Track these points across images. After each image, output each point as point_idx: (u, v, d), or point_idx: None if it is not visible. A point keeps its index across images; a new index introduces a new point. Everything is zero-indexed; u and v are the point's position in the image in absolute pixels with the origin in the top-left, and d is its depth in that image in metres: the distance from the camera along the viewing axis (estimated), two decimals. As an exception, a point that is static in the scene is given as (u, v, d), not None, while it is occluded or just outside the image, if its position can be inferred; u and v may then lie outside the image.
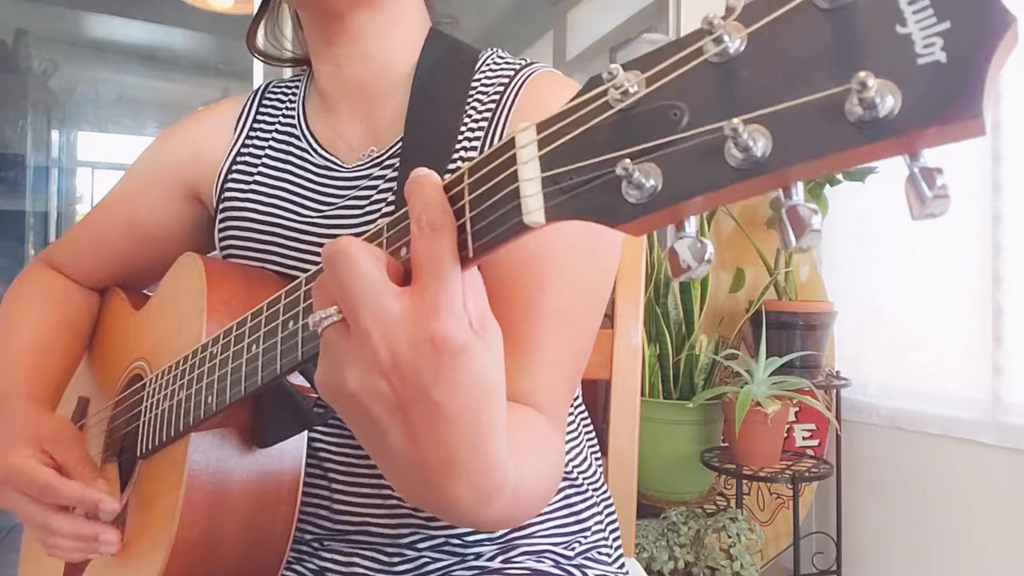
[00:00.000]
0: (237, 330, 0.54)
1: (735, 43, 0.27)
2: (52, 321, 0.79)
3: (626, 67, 0.31)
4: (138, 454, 0.66)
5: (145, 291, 0.88)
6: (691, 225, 0.30)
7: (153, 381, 0.66)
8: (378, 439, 0.38)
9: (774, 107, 0.26)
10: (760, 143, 0.26)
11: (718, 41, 0.28)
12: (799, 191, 0.28)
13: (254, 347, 0.51)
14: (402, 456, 0.37)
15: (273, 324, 0.49)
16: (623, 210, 0.30)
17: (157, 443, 0.63)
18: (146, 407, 0.66)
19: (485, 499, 0.39)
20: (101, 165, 2.38)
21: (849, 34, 0.25)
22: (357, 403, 0.37)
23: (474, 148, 0.65)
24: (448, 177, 0.37)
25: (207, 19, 2.40)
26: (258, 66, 2.19)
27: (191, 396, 0.59)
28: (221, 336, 0.56)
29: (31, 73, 2.27)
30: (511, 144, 0.34)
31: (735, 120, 0.26)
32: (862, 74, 0.24)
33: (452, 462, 0.37)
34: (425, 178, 0.36)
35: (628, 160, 0.29)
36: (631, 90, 0.30)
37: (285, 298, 0.48)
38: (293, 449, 0.64)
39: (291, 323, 0.46)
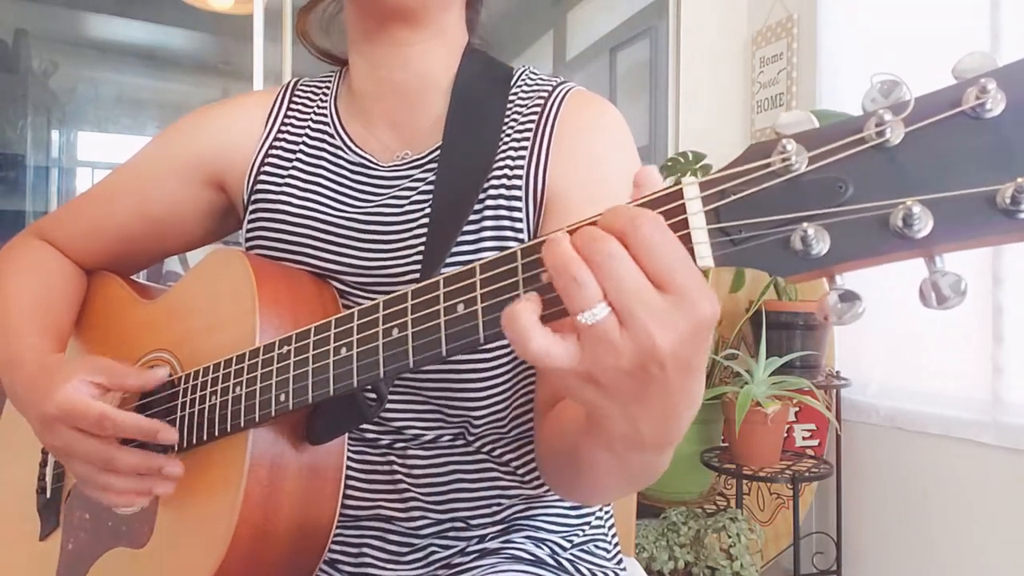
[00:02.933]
0: (317, 334, 0.56)
1: (897, 135, 0.34)
2: (47, 290, 0.78)
3: (786, 137, 0.36)
4: (174, 448, 0.66)
5: (134, 277, 0.87)
6: (843, 278, 0.36)
7: (195, 376, 0.65)
8: (630, 400, 0.40)
9: (939, 194, 0.33)
10: (925, 222, 0.33)
11: (881, 133, 0.34)
12: (944, 260, 0.34)
13: (344, 351, 0.53)
14: (651, 408, 0.41)
15: (371, 331, 0.52)
16: (791, 265, 0.36)
17: (205, 437, 0.63)
18: (188, 401, 0.65)
19: (693, 417, 0.44)
20: (101, 165, 2.38)
21: (1000, 141, 0.32)
22: (622, 384, 0.39)
23: (521, 158, 0.68)
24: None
25: (207, 19, 2.40)
26: (258, 66, 2.19)
27: (255, 393, 0.59)
28: (294, 338, 0.57)
29: (31, 73, 2.27)
30: (678, 195, 0.39)
31: (908, 201, 0.33)
32: (1021, 179, 0.31)
33: (691, 401, 0.42)
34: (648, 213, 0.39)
35: (805, 224, 0.35)
36: (797, 162, 0.35)
37: (384, 309, 0.51)
38: (337, 445, 0.65)
39: (395, 331, 0.50)
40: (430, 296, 0.48)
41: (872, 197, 0.34)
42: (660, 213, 0.39)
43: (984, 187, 0.32)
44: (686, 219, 0.38)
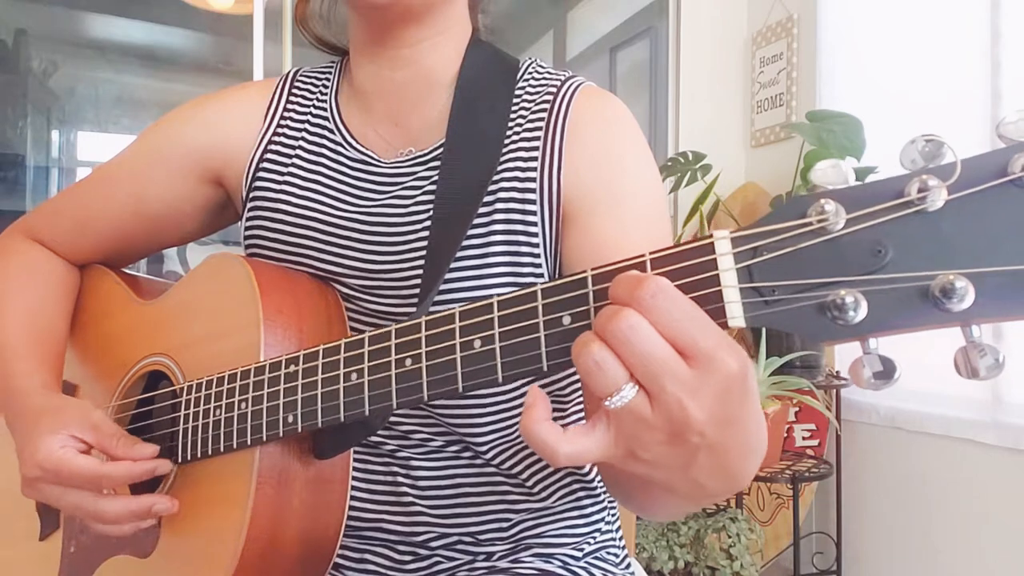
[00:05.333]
0: (326, 357, 0.54)
1: (939, 200, 0.33)
2: (41, 301, 0.75)
3: (824, 195, 0.35)
4: (178, 460, 0.64)
5: (127, 269, 0.84)
6: (876, 342, 0.35)
7: (197, 388, 0.63)
8: (683, 467, 0.39)
9: (982, 268, 0.32)
10: (965, 295, 0.32)
11: (922, 199, 0.33)
12: (981, 329, 0.33)
13: (354, 376, 0.52)
14: (708, 468, 0.39)
15: (383, 360, 0.50)
16: (826, 330, 0.35)
17: (209, 452, 0.61)
18: (192, 414, 0.63)
19: (762, 455, 0.43)
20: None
21: None
22: (667, 457, 0.38)
23: (533, 159, 0.65)
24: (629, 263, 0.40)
25: (207, 19, 2.40)
26: (258, 66, 2.19)
27: (261, 412, 0.57)
28: (302, 359, 0.56)
29: (31, 73, 2.27)
30: (710, 249, 0.37)
31: (951, 274, 0.32)
32: None
33: (748, 450, 0.40)
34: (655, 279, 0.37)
35: (843, 290, 0.34)
36: (835, 222, 0.34)
37: (396, 337, 0.49)
38: (342, 459, 0.63)
39: (408, 361, 0.48)
40: (445, 329, 0.46)
41: (912, 266, 0.33)
42: (689, 267, 0.38)
43: None
44: (717, 276, 0.37)
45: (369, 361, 0.51)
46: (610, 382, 0.36)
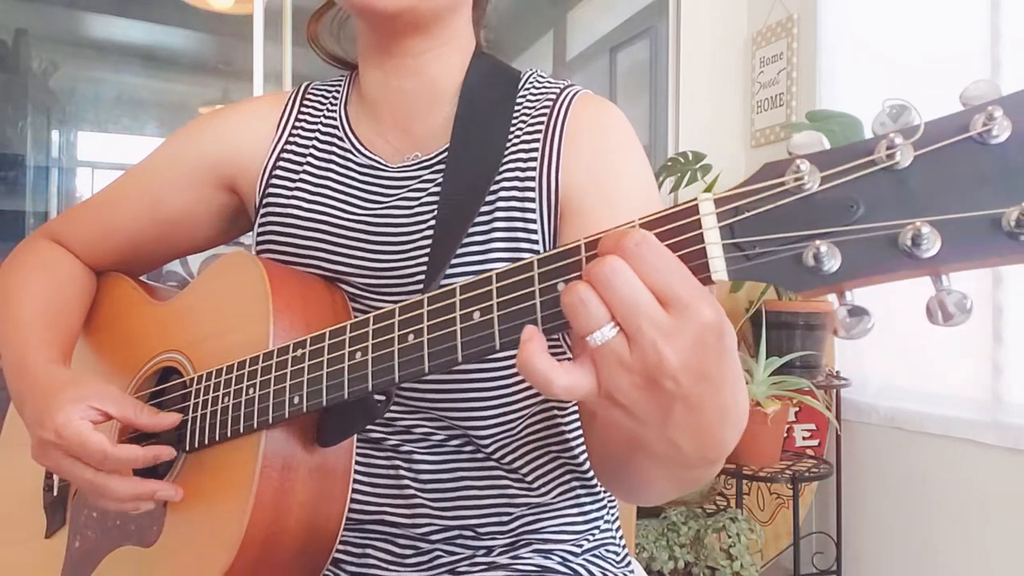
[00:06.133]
0: (332, 338, 0.56)
1: (906, 158, 0.35)
2: (56, 293, 0.78)
3: (799, 157, 0.37)
4: (186, 448, 0.66)
5: (143, 278, 0.87)
6: (852, 293, 0.37)
7: (207, 378, 0.65)
8: (659, 420, 0.41)
9: (946, 215, 0.34)
10: (933, 243, 0.34)
11: (891, 155, 0.35)
12: (950, 279, 0.35)
13: (359, 355, 0.54)
14: (684, 426, 0.41)
15: (387, 336, 0.52)
16: (803, 280, 0.37)
17: (217, 438, 0.63)
18: (201, 403, 0.65)
19: (740, 431, 0.44)
20: (101, 165, 2.38)
21: (1006, 166, 0.33)
22: (643, 403, 0.40)
23: (532, 160, 0.68)
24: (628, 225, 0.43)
25: (207, 19, 2.40)
26: (258, 66, 2.19)
27: (268, 396, 0.59)
28: (308, 342, 0.58)
29: (31, 73, 2.27)
30: (694, 210, 0.40)
31: (918, 221, 0.34)
32: None
33: (725, 414, 0.42)
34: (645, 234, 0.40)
35: (817, 241, 0.36)
36: (810, 181, 0.37)
37: (400, 315, 0.51)
38: (346, 446, 0.65)
39: (411, 337, 0.50)
40: (446, 303, 0.48)
41: (882, 217, 0.35)
42: (676, 228, 0.40)
43: (990, 210, 0.33)
44: (701, 234, 0.39)
45: (373, 339, 0.53)
46: (592, 320, 0.39)
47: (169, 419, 0.66)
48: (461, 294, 0.48)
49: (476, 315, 0.46)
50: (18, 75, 2.22)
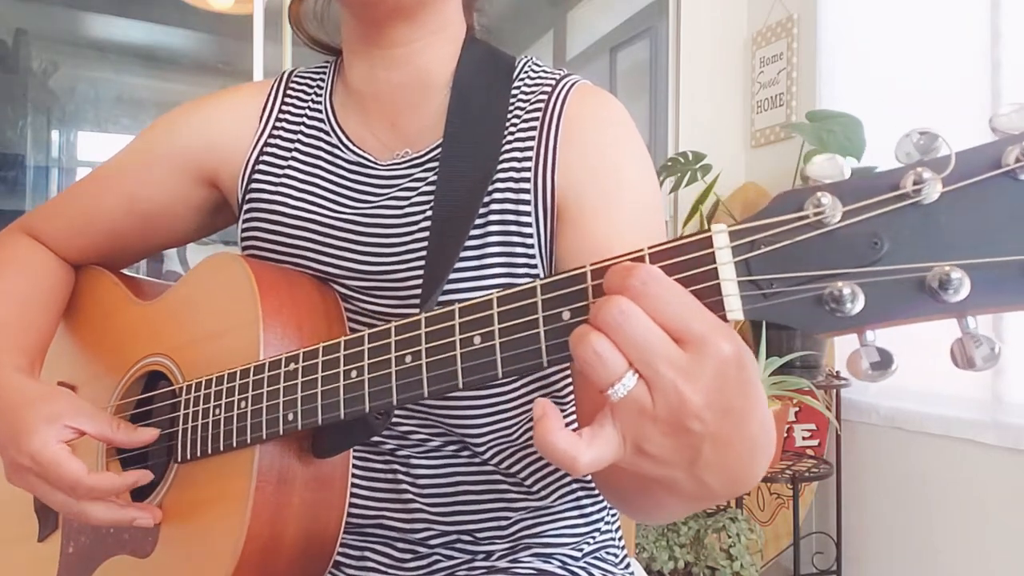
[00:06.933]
0: (326, 355, 0.54)
1: (934, 192, 0.33)
2: (29, 292, 0.75)
3: (820, 188, 0.35)
4: (177, 459, 0.64)
5: (125, 271, 0.84)
6: (874, 334, 0.35)
7: (197, 388, 0.63)
8: (688, 462, 0.38)
9: (977, 259, 0.32)
10: (961, 287, 0.32)
11: (918, 191, 0.33)
12: (977, 321, 0.34)
13: (354, 374, 0.52)
14: (714, 464, 0.39)
15: (383, 357, 0.50)
16: (824, 322, 0.35)
17: (208, 450, 0.61)
18: (191, 413, 0.63)
19: (769, 458, 0.42)
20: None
21: None
22: (672, 449, 0.38)
23: (527, 159, 0.65)
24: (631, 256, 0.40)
25: (207, 19, 2.40)
26: (258, 66, 2.19)
27: (261, 411, 0.57)
28: (301, 357, 0.56)
29: (31, 73, 2.27)
30: (708, 243, 0.38)
31: (946, 265, 0.32)
32: None
33: (754, 445, 0.39)
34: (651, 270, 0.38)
35: (840, 282, 0.34)
36: (831, 216, 0.35)
37: (396, 335, 0.49)
38: (342, 458, 0.63)
39: (408, 358, 0.48)
40: (445, 325, 0.46)
41: (908, 257, 0.34)
42: (688, 260, 0.38)
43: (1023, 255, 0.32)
44: (716, 269, 0.37)
45: (369, 359, 0.51)
46: (610, 371, 0.36)
47: (147, 435, 0.64)
48: (460, 316, 0.46)
49: (477, 340, 0.45)
50: (18, 75, 2.22)
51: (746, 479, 0.41)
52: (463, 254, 0.63)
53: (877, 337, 0.36)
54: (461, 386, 0.46)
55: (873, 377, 0.35)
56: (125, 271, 0.85)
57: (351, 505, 0.67)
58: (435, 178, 0.65)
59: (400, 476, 0.67)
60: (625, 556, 0.77)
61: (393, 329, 0.50)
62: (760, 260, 0.36)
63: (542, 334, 0.41)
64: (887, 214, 0.34)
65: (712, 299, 0.37)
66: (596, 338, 0.36)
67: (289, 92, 0.76)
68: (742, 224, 0.37)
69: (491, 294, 0.44)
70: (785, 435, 1.99)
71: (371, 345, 0.51)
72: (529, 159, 0.65)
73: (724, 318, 0.37)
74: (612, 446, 0.37)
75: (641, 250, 0.39)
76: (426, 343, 0.47)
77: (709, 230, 0.38)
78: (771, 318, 0.36)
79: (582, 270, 0.41)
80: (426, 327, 0.48)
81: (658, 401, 0.36)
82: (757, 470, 0.41)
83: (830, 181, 0.35)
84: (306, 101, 0.75)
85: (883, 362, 0.35)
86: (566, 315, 0.41)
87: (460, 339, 0.45)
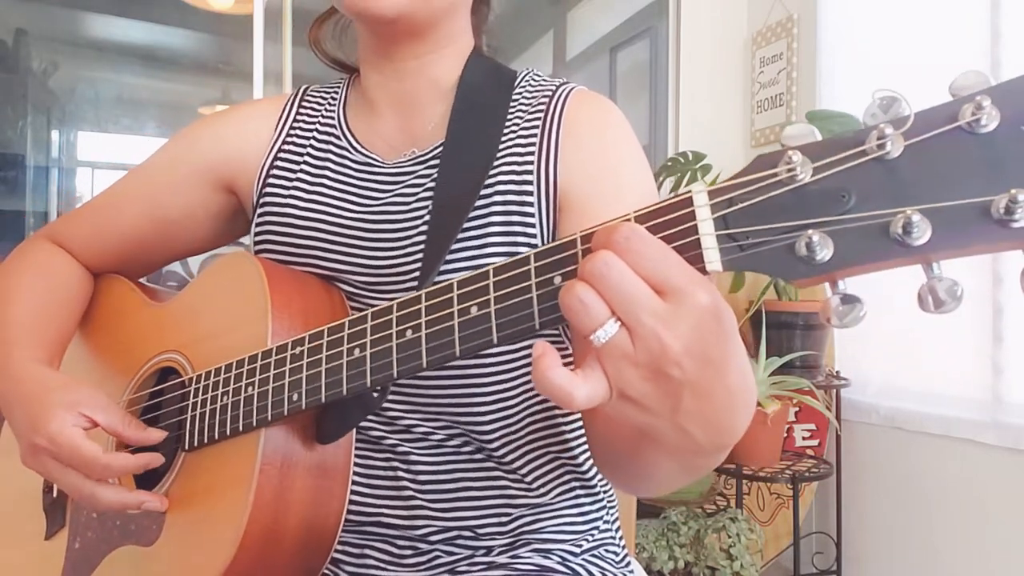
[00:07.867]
0: (331, 335, 0.57)
1: (897, 148, 0.35)
2: (50, 294, 0.79)
3: (792, 148, 0.38)
4: (185, 447, 0.66)
5: (142, 280, 0.87)
6: (844, 283, 0.37)
7: (206, 377, 0.66)
8: (670, 410, 0.41)
9: (936, 204, 0.34)
10: (923, 231, 0.34)
11: (882, 146, 0.35)
12: (941, 267, 0.35)
13: (357, 351, 0.54)
14: (694, 413, 0.41)
15: (385, 332, 0.53)
16: (797, 269, 0.37)
17: (216, 436, 0.63)
18: (199, 401, 0.66)
19: (750, 414, 0.44)
20: (101, 165, 2.38)
21: (994, 154, 0.34)
22: (652, 395, 0.40)
23: (530, 155, 0.68)
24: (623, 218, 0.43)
25: (207, 19, 2.40)
26: (258, 66, 2.19)
27: (267, 393, 0.60)
28: (307, 339, 0.58)
29: (31, 73, 2.27)
30: (688, 202, 0.40)
31: (908, 210, 0.34)
32: (1014, 191, 0.33)
33: (733, 397, 0.42)
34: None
35: (810, 231, 0.36)
36: (802, 173, 0.37)
37: (398, 310, 0.52)
38: (345, 444, 0.65)
39: (409, 332, 0.51)
40: (443, 298, 0.49)
41: (874, 206, 0.36)
42: (670, 220, 0.40)
43: (979, 198, 0.34)
44: (695, 225, 0.40)
45: (371, 335, 0.53)
46: (593, 318, 0.39)
47: (155, 435, 0.67)
48: (458, 289, 0.48)
49: (473, 310, 0.47)
50: (18, 75, 2.22)
51: (729, 430, 0.43)
52: (464, 244, 0.66)
53: (848, 287, 0.37)
54: (458, 354, 0.48)
55: (843, 314, 0.37)
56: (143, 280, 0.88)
57: (351, 503, 0.68)
58: (437, 173, 0.69)
59: (400, 473, 0.68)
60: (626, 555, 0.78)
61: (395, 306, 0.52)
62: (736, 215, 0.39)
63: (535, 299, 0.44)
64: (853, 169, 0.36)
65: (693, 253, 0.40)
66: (581, 288, 0.39)
67: (304, 104, 0.81)
68: (720, 184, 0.40)
69: (488, 267, 0.47)
70: (785, 435, 1.99)
71: (374, 323, 0.54)
72: (531, 154, 0.68)
73: (704, 270, 0.40)
74: (602, 386, 0.40)
75: (627, 215, 0.42)
76: (426, 316, 0.50)
77: (690, 191, 0.41)
78: (748, 267, 0.39)
79: (572, 237, 0.43)
80: (426, 301, 0.50)
81: (639, 347, 0.39)
82: (739, 422, 0.43)
83: (802, 142, 0.38)
84: (319, 111, 0.80)
85: (851, 299, 0.37)
86: (557, 279, 0.43)
87: (458, 310, 0.48)
